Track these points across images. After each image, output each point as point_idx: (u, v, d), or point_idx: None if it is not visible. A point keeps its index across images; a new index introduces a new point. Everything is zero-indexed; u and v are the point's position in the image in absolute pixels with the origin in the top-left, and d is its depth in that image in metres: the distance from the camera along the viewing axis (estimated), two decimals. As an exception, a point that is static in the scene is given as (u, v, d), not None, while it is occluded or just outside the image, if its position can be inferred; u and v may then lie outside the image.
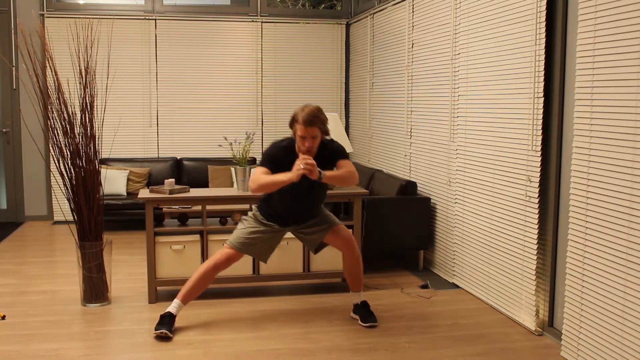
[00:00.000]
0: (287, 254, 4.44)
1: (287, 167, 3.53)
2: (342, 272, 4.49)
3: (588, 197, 3.18)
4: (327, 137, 3.70)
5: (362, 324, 3.85)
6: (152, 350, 3.46)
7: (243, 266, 4.40)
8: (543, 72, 3.58)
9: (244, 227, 3.82)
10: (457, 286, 4.69)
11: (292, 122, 3.59)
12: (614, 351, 3.00)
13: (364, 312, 3.90)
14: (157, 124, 7.27)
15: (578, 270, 3.27)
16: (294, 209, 3.78)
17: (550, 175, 3.62)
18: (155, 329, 3.63)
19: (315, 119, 3.50)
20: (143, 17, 7.13)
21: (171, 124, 7.30)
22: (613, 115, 2.99)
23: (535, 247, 3.69)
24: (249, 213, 3.91)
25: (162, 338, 3.60)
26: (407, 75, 5.61)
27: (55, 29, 6.92)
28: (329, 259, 4.47)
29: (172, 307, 3.75)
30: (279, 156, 3.63)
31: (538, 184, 3.65)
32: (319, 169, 3.49)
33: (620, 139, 2.95)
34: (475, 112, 4.37)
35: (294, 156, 3.59)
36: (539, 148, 3.63)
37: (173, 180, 4.42)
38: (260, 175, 3.55)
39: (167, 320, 3.68)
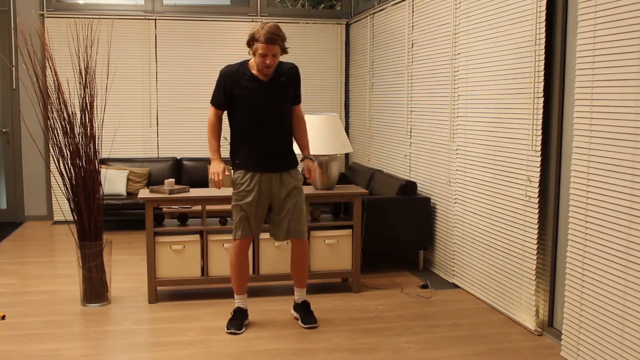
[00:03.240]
0: (287, 254, 4.44)
1: (242, 84, 3.58)
2: (341, 272, 4.50)
3: (588, 197, 3.18)
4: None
5: (302, 325, 3.81)
6: (152, 351, 3.47)
7: (243, 266, 4.39)
8: (543, 72, 3.58)
9: (236, 212, 3.69)
10: (457, 286, 4.69)
11: (251, 41, 3.48)
12: (614, 351, 3.00)
13: (304, 312, 3.86)
14: (157, 124, 7.27)
15: (578, 270, 3.27)
16: (262, 142, 3.64)
17: (550, 175, 3.62)
18: (227, 327, 3.73)
19: (276, 36, 3.44)
20: (143, 17, 7.13)
21: (171, 124, 7.30)
22: (613, 115, 2.99)
23: (535, 247, 3.69)
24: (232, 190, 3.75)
25: (232, 334, 3.70)
26: (407, 75, 5.61)
27: (55, 29, 6.92)
28: (329, 259, 4.48)
29: (236, 302, 3.84)
30: (229, 75, 3.60)
31: (538, 184, 3.65)
32: (305, 160, 3.78)
33: (620, 139, 2.95)
34: (475, 112, 4.37)
35: (247, 72, 3.59)
36: (539, 148, 3.63)
37: (173, 180, 4.43)
38: (209, 121, 3.90)
39: (237, 317, 3.78)
